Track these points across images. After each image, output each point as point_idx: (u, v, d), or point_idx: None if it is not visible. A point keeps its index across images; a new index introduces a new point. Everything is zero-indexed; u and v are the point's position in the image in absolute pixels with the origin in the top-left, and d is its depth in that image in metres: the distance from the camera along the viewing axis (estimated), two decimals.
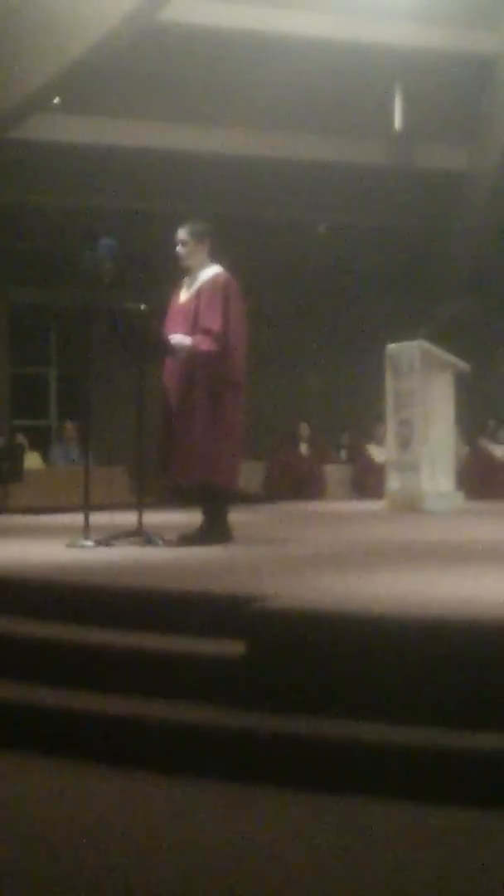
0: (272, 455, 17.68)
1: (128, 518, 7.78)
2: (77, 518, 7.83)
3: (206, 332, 7.55)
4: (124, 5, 11.81)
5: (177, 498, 9.91)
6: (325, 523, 10.92)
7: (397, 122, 15.65)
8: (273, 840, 3.59)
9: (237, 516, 8.16)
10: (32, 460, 16.54)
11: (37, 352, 19.48)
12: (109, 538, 7.48)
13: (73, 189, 16.30)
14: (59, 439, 17.98)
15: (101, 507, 7.99)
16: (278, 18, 13.84)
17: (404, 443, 12.14)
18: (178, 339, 7.57)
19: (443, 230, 17.93)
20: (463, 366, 12.04)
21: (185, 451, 7.57)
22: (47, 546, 7.63)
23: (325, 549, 7.69)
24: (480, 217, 17.22)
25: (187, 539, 7.60)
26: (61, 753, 4.47)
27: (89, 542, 7.39)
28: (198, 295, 7.69)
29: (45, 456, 17.43)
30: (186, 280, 7.83)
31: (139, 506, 7.66)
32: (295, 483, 17.22)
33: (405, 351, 12.19)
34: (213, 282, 7.67)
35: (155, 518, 8.32)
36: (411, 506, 11.73)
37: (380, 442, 15.88)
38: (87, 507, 7.63)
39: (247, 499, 13.25)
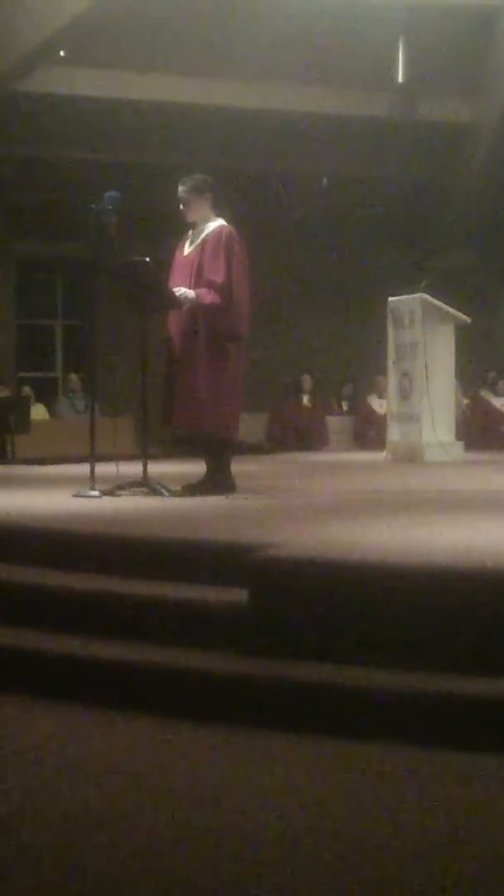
0: (275, 406, 17.77)
1: (133, 468, 7.88)
2: (83, 468, 7.91)
3: (210, 284, 7.62)
4: None
5: (181, 449, 10.02)
6: (327, 474, 11.00)
7: (400, 75, 15.60)
8: (277, 783, 3.65)
9: (240, 467, 8.25)
10: (38, 412, 16.64)
11: (42, 304, 19.52)
12: (115, 488, 7.56)
13: (78, 142, 16.28)
14: (64, 391, 18.07)
15: (106, 458, 8.09)
16: None
17: (405, 394, 12.23)
18: (182, 291, 7.65)
19: (444, 183, 17.91)
20: (463, 318, 12.10)
21: (188, 401, 7.66)
22: (54, 496, 7.70)
23: (328, 498, 7.78)
24: (482, 170, 17.20)
25: (191, 489, 7.70)
26: (67, 699, 4.54)
27: (95, 493, 7.46)
28: (201, 248, 7.75)
29: (51, 407, 17.52)
30: (191, 233, 7.89)
31: (144, 456, 7.75)
32: (297, 434, 17.33)
33: (406, 304, 12.25)
34: (217, 234, 7.74)
35: (160, 468, 8.41)
36: (412, 457, 11.83)
37: (381, 394, 15.97)
38: (93, 457, 7.72)
39: (250, 450, 13.37)
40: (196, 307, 7.62)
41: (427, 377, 11.69)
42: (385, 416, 13.45)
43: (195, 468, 8.09)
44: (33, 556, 5.70)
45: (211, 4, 14.13)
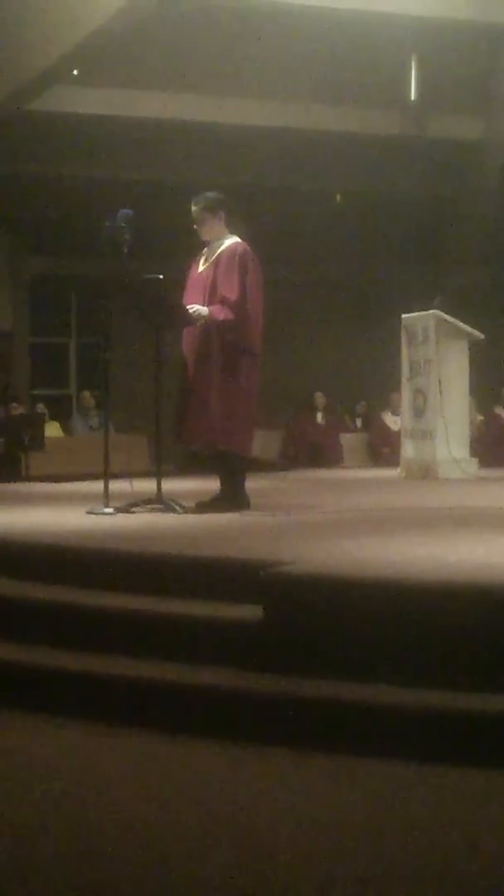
0: (289, 423, 17.78)
1: (147, 486, 7.89)
2: (97, 486, 7.92)
3: (223, 301, 7.64)
4: None
5: (195, 466, 10.03)
6: (341, 490, 11.00)
7: (412, 93, 15.62)
8: (292, 799, 3.66)
9: (254, 484, 8.26)
10: (52, 429, 16.68)
11: (57, 322, 19.58)
12: (129, 505, 7.57)
13: (92, 160, 16.34)
14: (78, 408, 18.10)
15: (120, 475, 8.10)
16: None
17: (419, 411, 12.22)
18: (196, 308, 7.67)
19: (456, 200, 17.92)
20: (477, 335, 12.09)
21: (201, 418, 7.67)
22: (68, 513, 7.72)
23: (342, 515, 7.78)
24: (494, 186, 17.21)
25: (205, 506, 7.69)
26: (80, 716, 4.56)
27: (109, 509, 7.47)
28: (215, 265, 7.77)
29: (65, 425, 17.56)
30: (205, 250, 7.91)
31: (158, 473, 7.76)
32: (311, 451, 17.33)
33: (420, 320, 12.25)
34: (231, 252, 7.75)
35: (174, 485, 8.42)
36: (426, 473, 11.82)
37: (395, 410, 15.96)
38: (107, 474, 7.73)
39: (264, 467, 13.37)
40: (210, 324, 7.63)
41: (441, 394, 11.68)
42: (399, 432, 13.44)
43: (209, 485, 8.10)
44: (46, 573, 5.72)
45: (223, 23, 14.16)
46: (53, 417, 17.32)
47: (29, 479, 13.26)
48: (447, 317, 12.00)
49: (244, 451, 7.89)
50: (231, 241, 7.82)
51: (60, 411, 18.19)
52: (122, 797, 3.71)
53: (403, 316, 12.53)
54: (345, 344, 19.61)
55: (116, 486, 7.76)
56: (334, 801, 3.64)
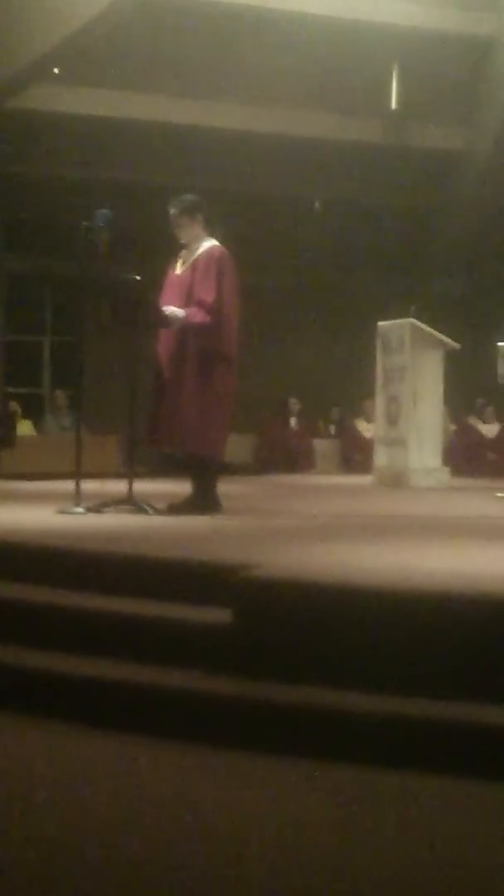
0: (262, 428, 17.79)
1: (119, 486, 7.88)
2: (68, 485, 7.91)
3: (200, 304, 7.64)
4: None
5: (167, 468, 10.01)
6: (314, 496, 11.01)
7: (393, 102, 15.67)
8: (257, 804, 3.66)
9: (227, 487, 8.26)
10: (25, 427, 16.63)
11: (32, 320, 19.53)
12: (100, 505, 7.56)
13: (71, 160, 16.32)
14: (51, 407, 18.06)
15: (92, 475, 8.08)
16: None
17: (392, 419, 12.25)
18: (172, 310, 7.66)
19: (435, 209, 17.98)
20: (452, 344, 12.13)
21: (174, 420, 7.66)
22: (38, 512, 7.68)
23: (313, 521, 7.79)
24: (473, 196, 17.27)
25: (177, 508, 7.69)
26: (50, 716, 4.53)
27: (80, 509, 7.46)
28: (193, 268, 7.77)
29: (38, 423, 17.51)
30: (183, 253, 7.91)
31: (130, 474, 7.76)
32: (284, 456, 17.34)
33: (396, 328, 12.28)
34: (208, 255, 7.76)
35: (146, 487, 8.41)
36: (398, 481, 11.84)
37: (368, 418, 16.00)
38: (78, 474, 7.71)
39: (236, 471, 13.36)
40: (185, 326, 7.63)
41: (415, 402, 11.71)
42: (372, 440, 13.47)
43: (181, 487, 8.09)
44: (13, 571, 5.69)
45: (206, 27, 14.18)
46: (26, 416, 17.27)
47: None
48: (423, 325, 12.04)
49: (216, 455, 7.90)
50: (209, 244, 7.82)
51: (33, 410, 18.14)
52: (90, 799, 3.70)
53: (379, 323, 12.56)
54: (320, 350, 19.62)
55: (88, 486, 7.74)
56: (303, 807, 3.63)
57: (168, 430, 7.73)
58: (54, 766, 4.08)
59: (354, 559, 5.37)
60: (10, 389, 18.75)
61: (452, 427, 16.90)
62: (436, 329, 12.11)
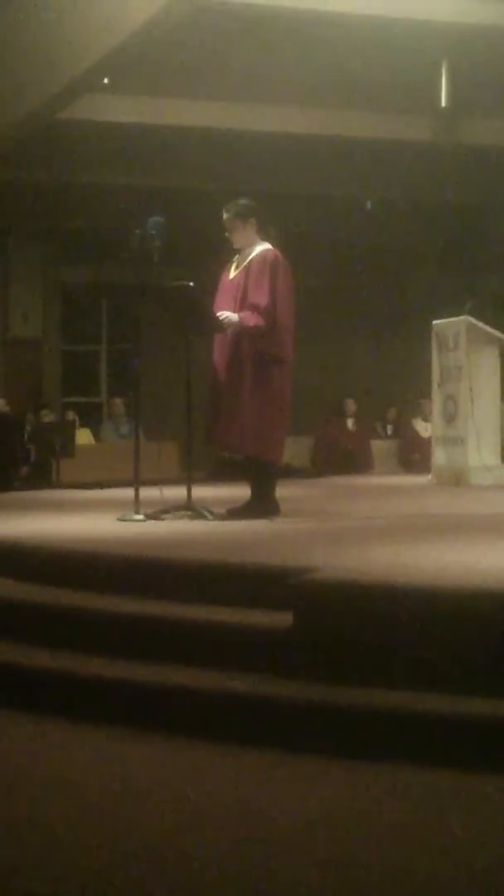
0: (319, 430, 17.77)
1: (177, 492, 7.90)
2: (127, 492, 7.94)
3: (254, 307, 7.64)
4: None
5: (226, 472, 10.03)
6: (372, 497, 10.98)
7: (443, 99, 15.59)
8: (320, 808, 3.66)
9: (285, 490, 8.25)
10: (83, 437, 16.72)
11: (88, 329, 19.66)
12: (160, 512, 7.57)
13: (123, 168, 16.39)
14: (109, 415, 18.16)
15: (151, 482, 8.10)
16: None
17: (450, 417, 12.19)
18: (226, 314, 7.67)
19: (488, 206, 17.90)
20: None
21: (232, 424, 7.66)
22: (99, 520, 7.71)
23: (372, 522, 7.76)
24: None
25: (236, 513, 7.69)
26: (111, 723, 4.57)
27: (140, 516, 7.48)
28: (246, 272, 7.77)
29: (96, 432, 17.61)
30: (236, 257, 7.91)
31: (188, 480, 7.77)
32: (342, 458, 17.30)
33: (451, 326, 12.22)
34: (262, 258, 7.75)
35: (204, 492, 8.42)
36: (457, 480, 11.78)
37: (426, 417, 15.93)
38: (137, 481, 7.74)
39: (294, 473, 13.35)
40: (240, 331, 7.63)
41: (472, 400, 11.64)
42: (430, 439, 13.40)
43: (239, 492, 8.10)
44: (77, 579, 5.73)
45: (252, 31, 14.16)
46: (84, 425, 17.37)
47: (60, 486, 13.30)
48: (478, 323, 11.97)
49: (275, 458, 7.90)
50: (262, 247, 7.82)
51: (91, 419, 18.25)
52: (153, 804, 3.72)
53: (434, 322, 12.50)
54: (376, 350, 19.60)
55: (147, 492, 7.76)
56: (365, 810, 3.63)
57: (226, 434, 7.73)
58: (117, 772, 4.10)
59: (415, 560, 5.35)
60: (68, 399, 18.89)
61: None
62: (491, 326, 12.03)
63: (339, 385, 18.26)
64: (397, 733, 4.10)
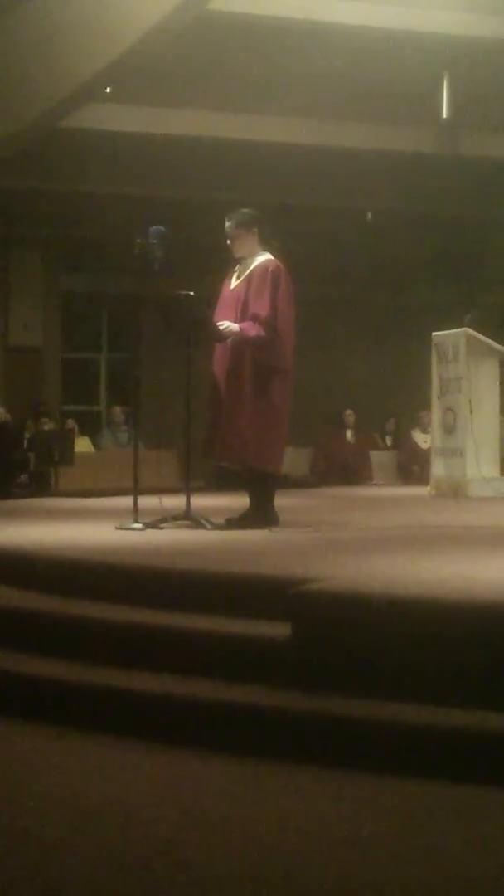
0: (319, 441, 17.78)
1: (176, 502, 7.89)
2: (126, 501, 7.93)
3: (255, 318, 7.64)
4: None
5: (225, 482, 10.02)
6: (371, 508, 10.98)
7: (444, 111, 15.62)
8: (319, 819, 3.65)
9: (284, 501, 8.25)
10: (82, 445, 16.72)
11: (88, 338, 19.67)
12: (158, 521, 7.57)
13: (125, 177, 16.41)
14: (108, 424, 18.16)
15: (150, 491, 8.11)
16: (328, 8, 13.85)
17: (449, 429, 12.19)
18: (227, 324, 7.67)
19: (489, 218, 17.93)
20: None
21: (231, 434, 7.66)
22: (98, 528, 7.72)
23: (371, 533, 7.76)
24: None
25: (235, 523, 7.70)
26: (107, 731, 4.56)
27: (139, 525, 7.47)
28: (248, 281, 7.77)
29: (95, 440, 17.61)
30: (238, 267, 7.92)
31: (187, 489, 7.77)
32: (341, 469, 17.31)
33: (451, 338, 12.23)
34: (263, 269, 7.76)
35: (203, 502, 8.42)
36: (456, 492, 11.78)
37: (424, 428, 15.95)
38: (136, 490, 7.74)
39: (294, 484, 13.35)
40: (241, 341, 7.64)
41: (471, 412, 11.65)
42: (429, 450, 13.41)
43: (239, 502, 8.10)
44: (75, 588, 5.72)
45: (255, 41, 14.19)
46: (83, 433, 17.37)
47: (58, 494, 13.29)
48: (478, 335, 11.98)
49: (274, 469, 7.90)
50: (263, 257, 7.82)
51: (90, 427, 18.25)
52: (151, 815, 3.71)
53: (434, 334, 12.51)
54: (375, 362, 19.61)
55: (145, 501, 7.76)
56: (363, 822, 3.61)
57: (225, 445, 7.73)
58: (113, 783, 4.09)
59: (414, 571, 5.35)
60: (67, 407, 18.90)
61: None
62: (491, 338, 12.04)
63: (338, 396, 18.27)
64: (395, 745, 4.09)
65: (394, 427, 18.35)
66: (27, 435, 15.39)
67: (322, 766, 4.08)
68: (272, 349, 7.64)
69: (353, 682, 4.36)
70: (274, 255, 7.84)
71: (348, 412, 17.87)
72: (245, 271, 7.81)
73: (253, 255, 7.83)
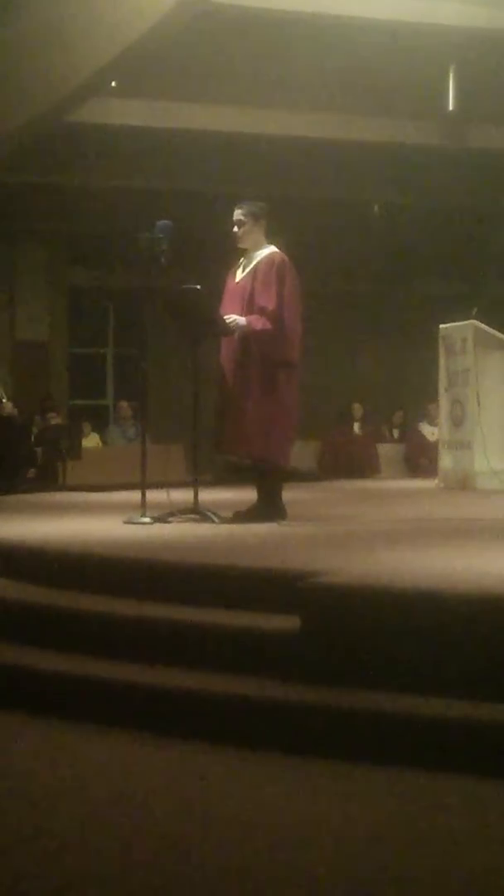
0: (326, 434, 17.76)
1: (184, 496, 7.90)
2: (134, 495, 7.93)
3: (261, 311, 7.63)
4: None
5: (232, 476, 10.02)
6: (379, 501, 10.97)
7: (451, 103, 15.59)
8: (326, 813, 3.65)
9: (292, 494, 8.24)
10: (90, 439, 16.72)
11: (95, 333, 19.68)
12: (166, 515, 7.57)
13: (130, 171, 16.41)
14: (115, 418, 18.17)
15: (157, 485, 8.11)
16: (333, 0, 13.85)
17: (457, 422, 12.18)
18: (234, 318, 7.66)
19: (495, 210, 17.90)
20: None
21: (239, 428, 7.66)
22: (106, 523, 7.72)
23: (379, 526, 7.76)
24: None
25: (243, 516, 7.69)
26: (120, 725, 4.57)
27: (147, 519, 7.48)
28: (253, 275, 7.76)
29: (102, 434, 17.62)
30: (242, 260, 7.90)
31: (195, 483, 7.77)
32: (348, 462, 17.30)
33: (458, 331, 12.21)
34: (269, 261, 7.74)
35: (211, 495, 8.42)
36: (463, 484, 11.77)
37: (432, 421, 15.93)
38: (143, 484, 7.74)
39: (301, 477, 13.34)
40: (247, 334, 7.63)
41: (479, 404, 11.63)
42: (436, 443, 13.40)
43: (246, 495, 8.09)
44: (83, 582, 5.73)
45: (260, 35, 14.18)
46: (93, 429, 17.37)
47: (66, 488, 13.29)
48: (486, 327, 11.96)
49: (282, 462, 7.89)
50: (269, 250, 7.81)
51: (98, 421, 18.26)
52: (160, 809, 3.71)
53: (441, 326, 12.50)
54: (383, 354, 19.60)
55: (153, 495, 7.76)
56: (375, 814, 3.61)
57: (234, 438, 7.73)
58: (122, 777, 4.10)
59: (423, 564, 5.34)
60: (75, 402, 18.91)
61: None
62: (498, 330, 12.03)
63: (346, 389, 18.27)
64: (405, 738, 4.09)
65: (401, 420, 18.34)
66: (35, 430, 15.40)
67: (331, 758, 4.08)
68: (279, 342, 7.62)
69: (362, 675, 4.37)
70: (279, 248, 7.83)
71: (356, 405, 17.86)
72: (250, 264, 7.80)
73: (258, 247, 7.81)
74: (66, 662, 5.05)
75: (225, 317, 7.65)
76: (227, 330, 7.64)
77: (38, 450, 14.75)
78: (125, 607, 5.34)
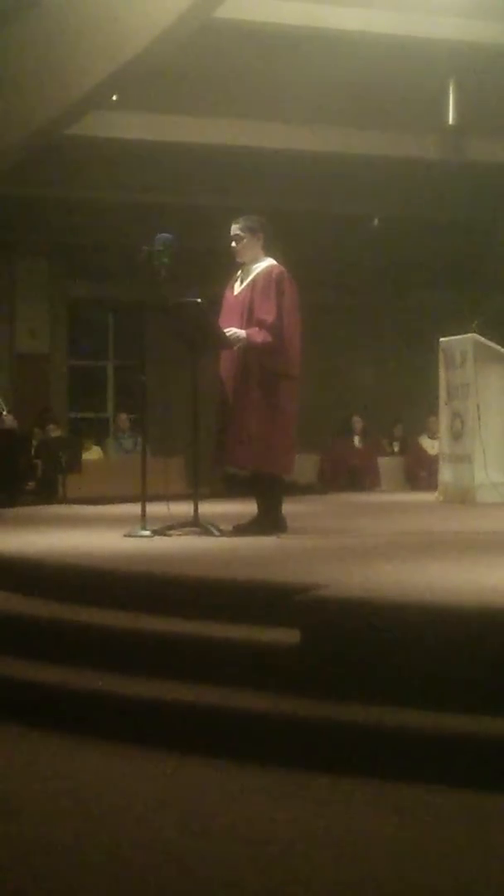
0: (326, 447, 17.77)
1: (184, 509, 7.89)
2: (134, 508, 7.93)
3: (261, 323, 7.64)
4: (180, 3, 11.89)
5: (232, 489, 10.02)
6: (379, 514, 10.97)
7: (450, 117, 15.63)
8: (327, 825, 3.65)
9: (292, 507, 8.24)
10: (92, 452, 16.72)
11: (95, 345, 19.71)
12: (166, 528, 7.57)
13: (131, 184, 16.44)
14: (115, 431, 18.18)
15: (157, 498, 8.11)
16: (333, 14, 13.87)
17: (457, 435, 12.18)
18: (233, 331, 7.67)
19: (495, 224, 17.93)
20: None
21: (240, 441, 7.66)
22: (106, 536, 7.72)
23: (379, 539, 7.76)
24: None
25: (242, 529, 7.69)
26: (118, 739, 4.57)
27: (147, 532, 7.48)
28: (252, 287, 7.77)
29: (102, 447, 17.62)
30: (241, 273, 7.91)
31: (195, 496, 7.77)
32: (348, 475, 17.30)
33: (458, 344, 12.22)
34: (267, 274, 7.75)
35: (211, 508, 8.42)
36: (463, 497, 11.77)
37: (432, 434, 15.93)
38: (143, 497, 7.74)
39: (301, 490, 13.34)
40: (247, 347, 7.63)
41: (479, 417, 11.63)
42: (436, 456, 13.40)
43: (246, 508, 8.09)
44: (83, 595, 5.72)
45: (260, 49, 14.22)
46: (91, 440, 17.38)
47: (66, 501, 13.28)
48: (486, 341, 11.97)
49: (282, 475, 7.89)
50: (267, 263, 7.82)
51: (97, 434, 18.27)
52: (157, 822, 3.70)
53: (441, 339, 12.50)
54: (382, 368, 19.62)
55: (153, 508, 7.76)
56: (372, 829, 3.61)
57: (234, 451, 7.73)
58: (120, 789, 4.09)
59: (422, 577, 5.34)
60: (74, 414, 18.93)
61: None
62: (498, 343, 12.03)
63: (346, 402, 18.28)
64: (404, 751, 4.09)
65: (401, 433, 18.36)
66: (34, 442, 15.40)
67: (330, 772, 4.08)
68: (279, 354, 7.63)
69: (362, 689, 4.36)
70: (278, 261, 7.84)
71: (356, 418, 17.87)
72: (248, 277, 7.81)
73: (256, 260, 7.83)
74: (64, 675, 5.05)
75: (225, 330, 7.66)
76: (228, 343, 7.65)
77: (38, 462, 14.74)
78: (124, 620, 5.34)
